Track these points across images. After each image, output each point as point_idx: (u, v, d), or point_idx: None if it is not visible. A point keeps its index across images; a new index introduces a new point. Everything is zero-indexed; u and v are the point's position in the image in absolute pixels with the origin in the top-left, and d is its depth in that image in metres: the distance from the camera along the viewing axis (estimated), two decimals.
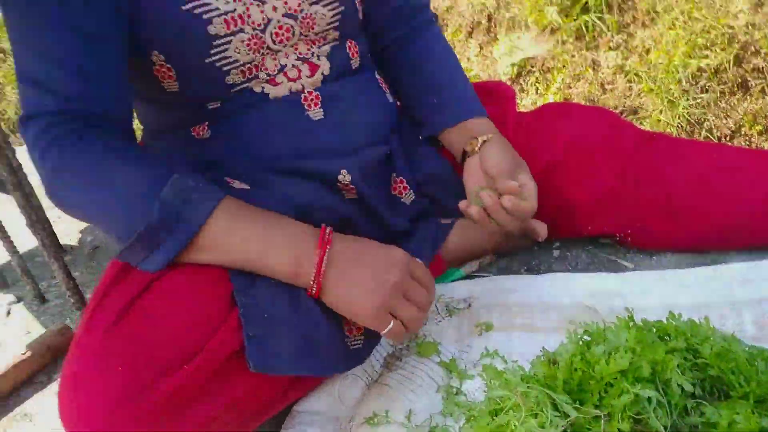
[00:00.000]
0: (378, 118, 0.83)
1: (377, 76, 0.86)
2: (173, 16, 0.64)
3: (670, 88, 1.79)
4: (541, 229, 0.77)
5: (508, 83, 2.12)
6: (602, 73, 1.94)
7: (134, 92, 0.75)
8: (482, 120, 0.83)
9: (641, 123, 1.87)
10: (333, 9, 0.73)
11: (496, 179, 0.74)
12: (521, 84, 2.11)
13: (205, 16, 0.64)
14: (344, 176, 0.77)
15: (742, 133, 1.78)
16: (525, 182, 0.73)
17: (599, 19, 1.94)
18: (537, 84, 2.05)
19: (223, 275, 0.63)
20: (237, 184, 0.73)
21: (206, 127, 0.76)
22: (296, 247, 0.63)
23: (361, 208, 0.80)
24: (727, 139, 1.81)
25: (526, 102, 2.04)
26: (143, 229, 0.60)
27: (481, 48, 2.26)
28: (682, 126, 1.80)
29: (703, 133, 1.79)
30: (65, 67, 0.62)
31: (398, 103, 0.90)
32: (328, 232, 0.64)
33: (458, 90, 0.85)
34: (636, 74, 1.87)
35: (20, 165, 1.38)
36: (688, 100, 1.77)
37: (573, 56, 2.00)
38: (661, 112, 1.82)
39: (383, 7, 0.84)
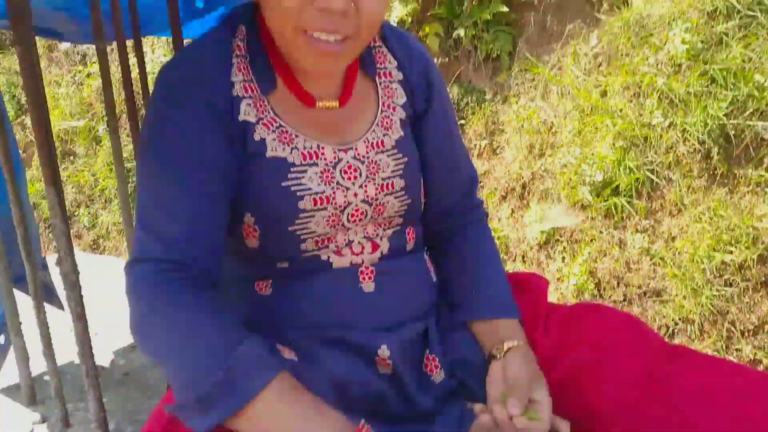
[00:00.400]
0: (422, 297, 0.89)
1: (426, 257, 0.93)
2: (273, 189, 0.76)
3: (695, 277, 1.83)
4: (564, 427, 0.78)
5: (536, 248, 2.20)
6: (628, 252, 2.01)
7: None
8: (511, 322, 0.86)
9: (664, 306, 1.90)
10: (402, 201, 0.84)
11: (512, 391, 0.77)
12: (548, 251, 2.18)
13: (299, 193, 0.76)
14: (383, 351, 0.81)
15: (765, 330, 1.80)
16: (540, 399, 0.76)
17: (628, 203, 2.04)
18: (564, 253, 2.12)
19: None
20: (286, 353, 0.78)
21: (269, 285, 0.83)
22: None
23: (393, 384, 0.82)
24: (750, 334, 1.82)
25: (552, 268, 2.09)
26: (202, 391, 0.64)
27: (513, 212, 2.37)
28: (704, 315, 1.82)
29: (726, 325, 1.80)
30: (179, 221, 0.72)
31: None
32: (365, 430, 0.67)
33: (494, 288, 0.90)
34: (661, 258, 1.93)
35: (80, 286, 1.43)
36: (711, 290, 1.81)
37: (601, 232, 2.09)
38: (684, 297, 1.85)
39: (441, 203, 0.93)
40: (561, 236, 2.17)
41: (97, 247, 3.81)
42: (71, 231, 3.91)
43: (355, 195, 0.79)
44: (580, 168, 2.23)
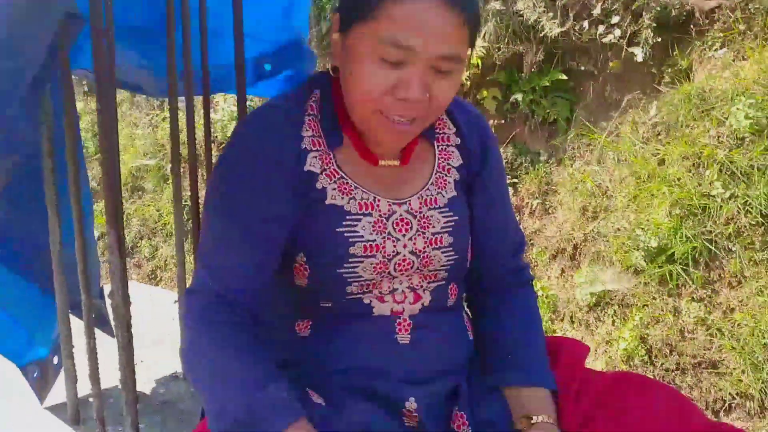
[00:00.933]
0: (456, 353, 0.90)
1: (464, 314, 0.95)
2: (328, 234, 0.81)
3: (755, 351, 1.74)
4: None
5: (585, 310, 2.14)
6: (683, 321, 1.94)
7: None
8: (544, 393, 0.85)
9: (721, 378, 1.80)
10: (449, 256, 0.87)
11: None
12: (598, 313, 2.12)
13: (351, 239, 0.81)
14: (411, 404, 0.82)
15: None
16: None
17: (684, 271, 1.98)
18: (614, 317, 2.06)
19: None
20: (315, 398, 0.81)
21: (309, 326, 0.86)
22: None
23: None
24: None
25: (601, 331, 2.03)
26: (227, 425, 0.70)
27: (563, 271, 2.33)
28: (765, 391, 1.71)
29: None
30: (235, 262, 0.79)
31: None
32: None
33: (530, 355, 0.89)
34: (718, 329, 1.85)
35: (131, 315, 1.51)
36: None
37: (654, 298, 2.02)
38: (743, 372, 1.75)
39: (487, 264, 0.95)
40: (612, 299, 2.12)
41: (155, 278, 3.93)
42: (133, 261, 4.06)
43: (404, 246, 0.83)
44: (634, 233, 2.19)
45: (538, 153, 2.74)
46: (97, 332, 1.77)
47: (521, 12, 2.66)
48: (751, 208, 1.93)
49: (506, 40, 2.75)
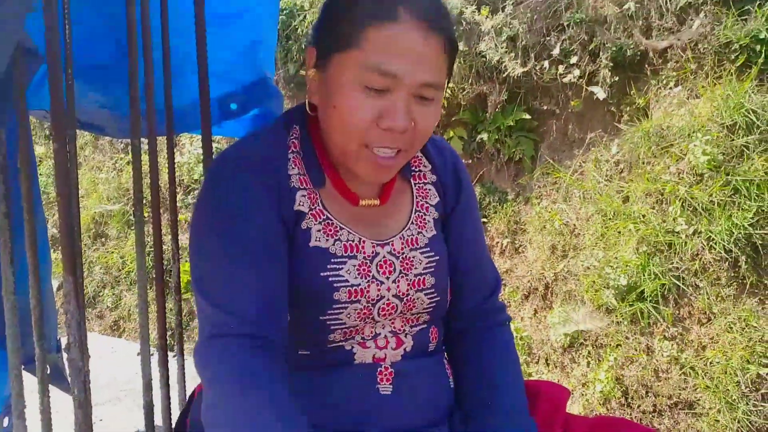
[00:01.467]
0: (439, 401, 0.86)
1: (444, 359, 0.92)
2: (312, 278, 0.77)
3: (729, 390, 1.73)
4: None
5: (560, 351, 2.11)
6: (656, 360, 1.92)
7: None
8: None
9: (698, 420, 1.78)
10: (432, 298, 0.85)
11: None
12: (573, 354, 2.09)
13: (335, 284, 0.77)
14: None
15: None
16: None
17: (655, 308, 1.98)
18: (589, 358, 2.03)
19: None
20: None
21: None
22: None
23: None
24: None
25: (576, 373, 1.99)
26: None
27: (536, 312, 2.30)
28: (741, 431, 1.69)
29: None
30: (251, 297, 0.73)
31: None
32: None
33: (509, 400, 0.86)
34: (692, 368, 1.83)
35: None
36: (748, 405, 1.69)
37: (627, 338, 2.00)
38: (719, 411, 1.73)
39: (465, 303, 0.92)
40: (586, 340, 2.09)
41: (117, 329, 3.77)
42: (94, 311, 3.89)
43: (388, 289, 0.81)
44: (604, 271, 2.19)
45: (505, 192, 2.74)
46: (53, 389, 1.67)
47: (484, 53, 2.70)
48: (715, 243, 1.94)
49: (470, 80, 2.78)
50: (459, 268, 0.90)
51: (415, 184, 0.89)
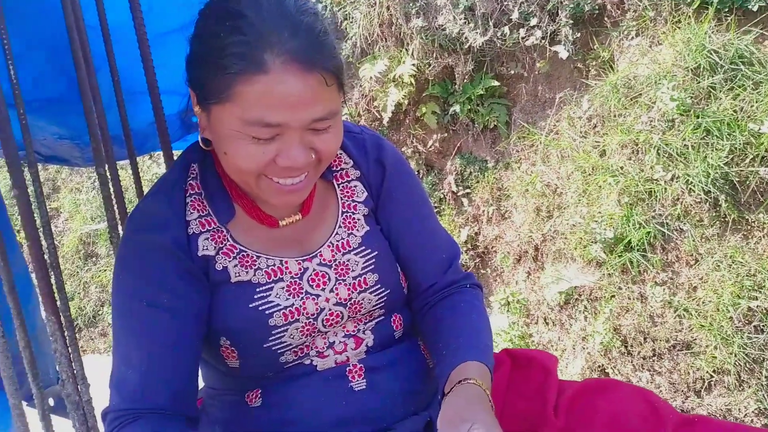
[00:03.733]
0: (419, 386, 0.82)
1: (420, 343, 0.87)
2: (242, 312, 0.74)
3: (723, 326, 1.74)
4: None
5: (557, 309, 2.11)
6: (651, 306, 1.92)
7: (200, 360, 0.82)
8: (476, 366, 0.75)
9: (696, 358, 1.79)
10: (380, 294, 0.81)
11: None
12: (570, 311, 2.09)
13: (267, 312, 0.75)
14: None
15: None
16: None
17: (643, 257, 1.97)
18: (586, 312, 2.03)
19: None
20: None
21: (259, 395, 0.79)
22: None
23: None
24: None
25: (576, 328, 2.00)
26: None
27: (529, 274, 2.29)
28: (740, 365, 1.71)
29: (764, 373, 1.69)
30: (134, 371, 0.72)
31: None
32: None
33: (465, 340, 0.80)
34: (685, 309, 1.84)
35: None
36: (743, 338, 1.71)
37: (620, 288, 2.00)
38: (716, 348, 1.74)
39: (422, 283, 0.87)
40: (580, 295, 2.09)
41: None
42: (97, 329, 3.83)
43: (327, 300, 0.77)
44: (590, 226, 2.18)
45: (485, 160, 2.70)
46: (59, 419, 1.65)
47: (443, 26, 2.63)
48: (694, 186, 1.94)
49: (434, 54, 2.72)
50: (403, 253, 0.85)
51: (338, 184, 0.84)
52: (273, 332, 0.74)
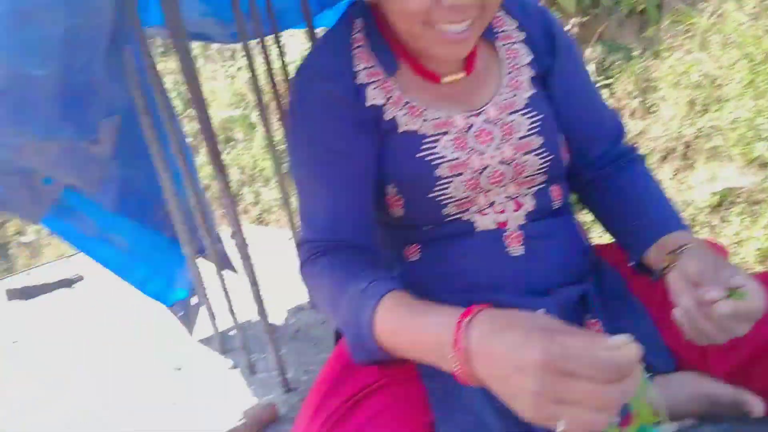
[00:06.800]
0: (575, 259, 0.79)
1: (574, 220, 0.82)
2: (409, 161, 0.74)
3: None
4: (756, 405, 0.64)
5: (707, 211, 1.86)
6: None
7: None
8: (682, 234, 0.72)
9: None
10: (544, 158, 0.76)
11: (702, 283, 0.62)
12: (722, 214, 1.83)
13: (433, 162, 0.73)
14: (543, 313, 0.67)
15: None
16: (741, 282, 0.59)
17: None
18: (742, 215, 1.77)
19: (424, 399, 0.65)
20: None
21: (418, 250, 0.79)
22: (438, 330, 0.55)
23: None
24: None
25: (728, 232, 1.76)
26: (351, 343, 0.65)
27: (676, 173, 2.03)
28: None
29: None
30: (321, 209, 0.75)
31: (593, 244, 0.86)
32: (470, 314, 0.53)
33: (658, 212, 0.77)
34: None
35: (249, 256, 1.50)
36: None
37: None
38: None
39: (587, 156, 0.84)
40: (737, 197, 1.82)
41: (262, 221, 3.91)
42: (239, 207, 4.05)
43: (492, 157, 0.74)
44: (755, 122, 1.84)
45: (630, 48, 2.34)
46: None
47: None
48: None
49: None
50: (573, 122, 0.81)
51: (501, 45, 0.78)
52: (438, 183, 0.73)
